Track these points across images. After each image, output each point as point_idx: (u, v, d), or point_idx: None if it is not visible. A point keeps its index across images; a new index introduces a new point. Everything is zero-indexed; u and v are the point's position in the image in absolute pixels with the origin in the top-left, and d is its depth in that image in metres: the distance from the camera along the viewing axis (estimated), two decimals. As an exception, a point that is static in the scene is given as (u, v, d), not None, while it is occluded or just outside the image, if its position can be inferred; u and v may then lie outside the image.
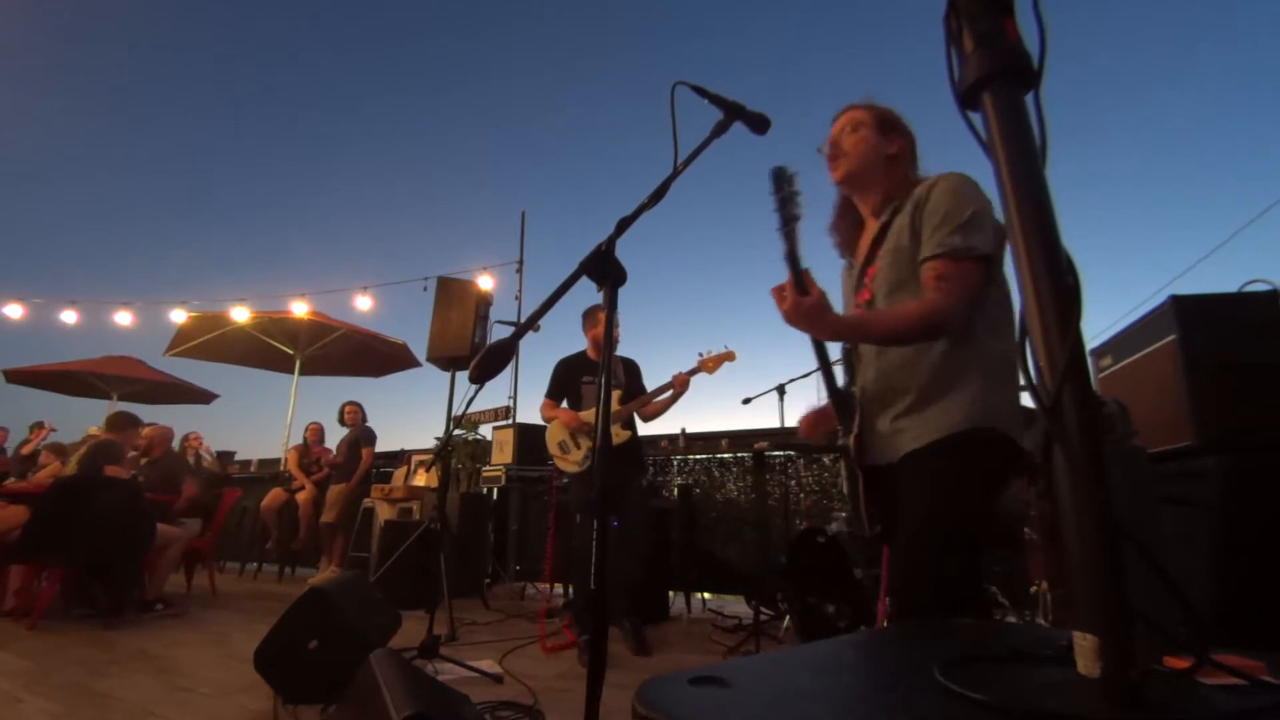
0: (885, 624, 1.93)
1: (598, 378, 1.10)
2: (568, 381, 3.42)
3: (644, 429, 3.54)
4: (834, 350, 1.45)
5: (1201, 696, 0.48)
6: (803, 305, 1.17)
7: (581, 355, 3.45)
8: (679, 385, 3.23)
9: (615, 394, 3.31)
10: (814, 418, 1.57)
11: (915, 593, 1.20)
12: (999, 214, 1.04)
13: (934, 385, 1.25)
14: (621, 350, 3.57)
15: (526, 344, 5.77)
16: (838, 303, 1.36)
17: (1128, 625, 0.46)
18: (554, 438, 3.36)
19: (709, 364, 3.17)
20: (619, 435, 3.28)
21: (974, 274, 1.20)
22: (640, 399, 3.29)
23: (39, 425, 6.96)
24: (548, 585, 4.81)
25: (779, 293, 1.20)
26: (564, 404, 3.43)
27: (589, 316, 3.40)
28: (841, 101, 1.47)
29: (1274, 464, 1.81)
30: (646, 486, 3.45)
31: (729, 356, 3.17)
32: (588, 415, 3.31)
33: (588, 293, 1.15)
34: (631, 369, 3.52)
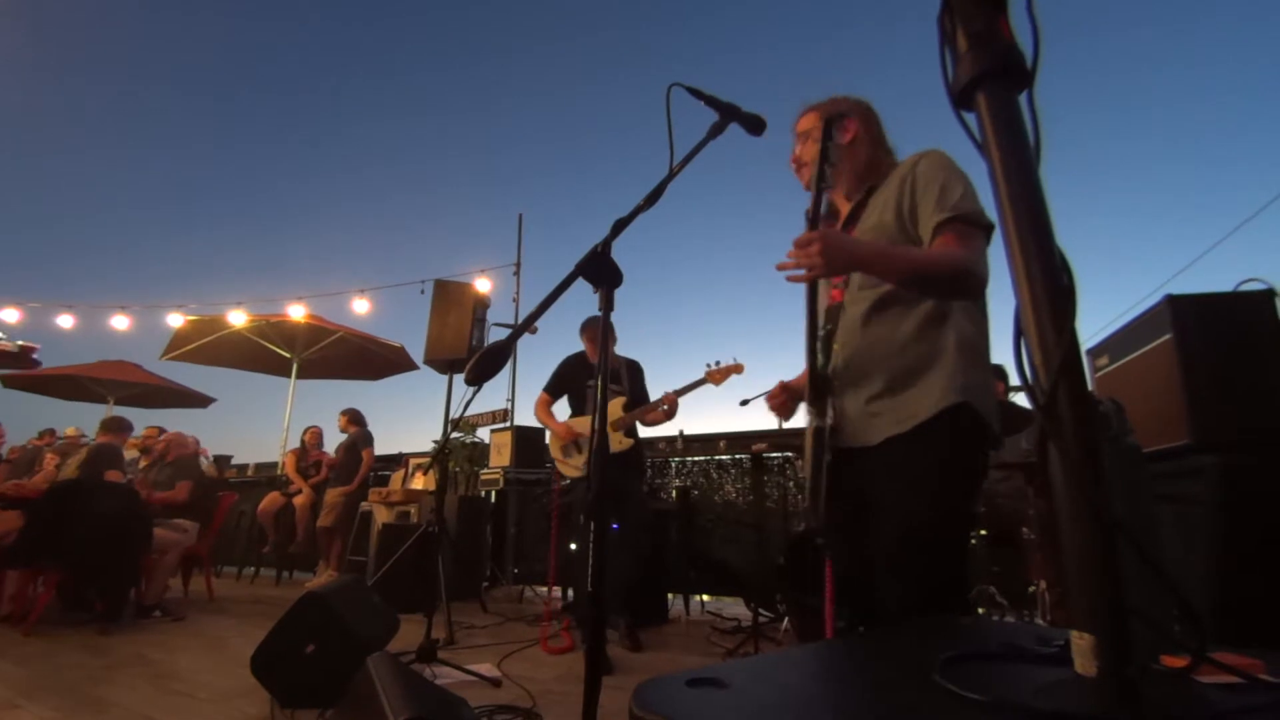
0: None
1: (595, 377, 1.10)
2: (572, 381, 3.43)
3: (642, 431, 3.54)
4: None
5: (1199, 695, 0.48)
6: (830, 231, 1.19)
7: (583, 356, 3.45)
8: (669, 405, 3.20)
9: (620, 401, 3.31)
10: (791, 391, 1.53)
11: (901, 600, 1.17)
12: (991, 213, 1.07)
13: (910, 365, 1.25)
14: (625, 350, 3.56)
15: (524, 346, 5.79)
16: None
17: (1124, 624, 0.46)
18: (557, 442, 3.40)
19: (716, 376, 3.08)
20: (622, 443, 3.25)
21: (985, 241, 1.21)
22: (641, 409, 3.28)
23: (49, 432, 7.01)
24: (549, 589, 4.80)
25: (800, 241, 1.16)
26: (563, 400, 3.46)
27: (585, 329, 3.41)
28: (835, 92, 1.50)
29: (1269, 461, 1.81)
30: (646, 491, 3.46)
31: (736, 369, 3.06)
32: (581, 425, 3.31)
33: (585, 294, 1.15)
34: (635, 371, 3.50)
